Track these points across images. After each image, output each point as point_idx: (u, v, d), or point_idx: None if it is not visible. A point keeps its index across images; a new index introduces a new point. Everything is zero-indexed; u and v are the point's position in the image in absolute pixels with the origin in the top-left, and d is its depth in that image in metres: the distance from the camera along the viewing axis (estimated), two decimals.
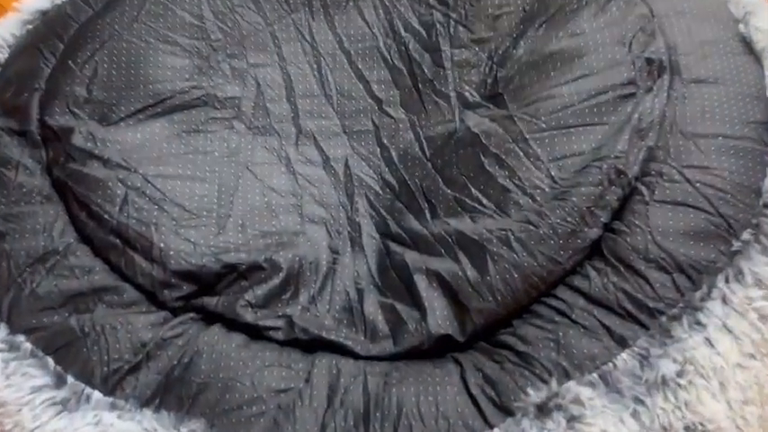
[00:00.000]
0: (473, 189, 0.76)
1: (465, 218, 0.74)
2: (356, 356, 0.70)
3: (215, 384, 0.67)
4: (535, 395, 0.62)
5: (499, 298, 0.70)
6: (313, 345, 0.71)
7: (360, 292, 0.76)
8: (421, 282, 0.73)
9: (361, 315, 0.74)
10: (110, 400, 0.67)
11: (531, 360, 0.66)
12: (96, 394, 0.67)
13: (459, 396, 0.65)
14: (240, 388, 0.66)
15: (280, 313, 0.73)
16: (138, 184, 0.76)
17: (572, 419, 0.60)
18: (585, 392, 0.61)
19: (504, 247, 0.71)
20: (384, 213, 0.82)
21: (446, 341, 0.71)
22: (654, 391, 0.62)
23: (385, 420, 0.64)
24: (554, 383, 0.63)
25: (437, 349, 0.71)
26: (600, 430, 0.59)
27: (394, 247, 0.79)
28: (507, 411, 0.64)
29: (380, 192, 0.84)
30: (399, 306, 0.73)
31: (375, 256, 0.80)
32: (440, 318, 0.71)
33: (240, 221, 0.77)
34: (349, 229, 0.81)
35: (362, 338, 0.72)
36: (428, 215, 0.78)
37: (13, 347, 0.69)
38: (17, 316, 0.72)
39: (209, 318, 0.73)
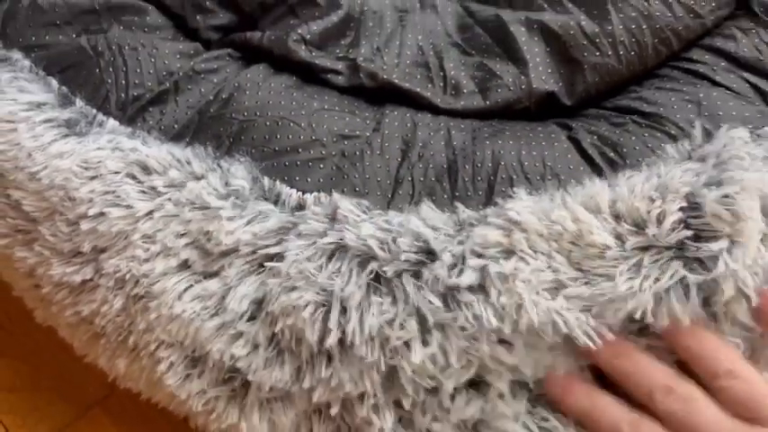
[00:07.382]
0: None
1: None
2: (435, 110, 0.56)
3: (262, 123, 0.53)
4: (673, 149, 0.49)
5: (621, 52, 0.56)
6: (381, 96, 0.57)
7: (435, 49, 0.62)
8: (520, 34, 0.58)
9: (440, 71, 0.59)
10: (128, 129, 0.53)
11: (663, 121, 0.52)
12: (112, 122, 0.53)
13: (571, 154, 0.52)
14: (294, 128, 0.53)
15: (340, 54, 0.58)
16: None
17: (721, 163, 0.46)
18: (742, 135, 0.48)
19: None
20: None
21: (549, 104, 0.57)
22: None
23: (477, 174, 0.51)
24: (697, 134, 0.50)
25: (538, 114, 0.57)
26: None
27: (476, 7, 0.64)
28: None
29: None
30: (490, 62, 0.59)
31: (453, 18, 0.65)
32: (543, 73, 0.57)
33: None
34: None
35: (442, 93, 0.58)
36: None
37: (6, 61, 0.55)
38: (13, 29, 0.57)
39: (252, 58, 0.59)
